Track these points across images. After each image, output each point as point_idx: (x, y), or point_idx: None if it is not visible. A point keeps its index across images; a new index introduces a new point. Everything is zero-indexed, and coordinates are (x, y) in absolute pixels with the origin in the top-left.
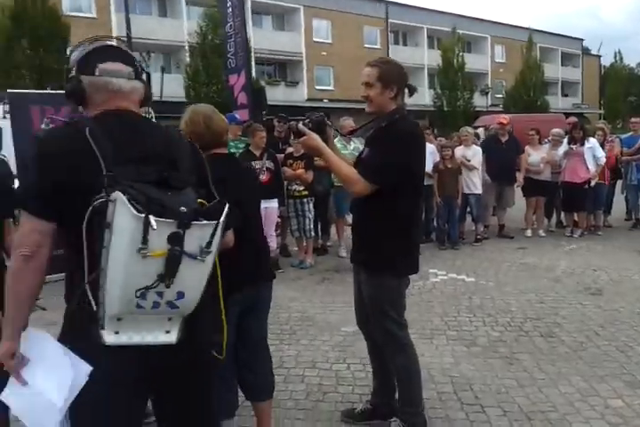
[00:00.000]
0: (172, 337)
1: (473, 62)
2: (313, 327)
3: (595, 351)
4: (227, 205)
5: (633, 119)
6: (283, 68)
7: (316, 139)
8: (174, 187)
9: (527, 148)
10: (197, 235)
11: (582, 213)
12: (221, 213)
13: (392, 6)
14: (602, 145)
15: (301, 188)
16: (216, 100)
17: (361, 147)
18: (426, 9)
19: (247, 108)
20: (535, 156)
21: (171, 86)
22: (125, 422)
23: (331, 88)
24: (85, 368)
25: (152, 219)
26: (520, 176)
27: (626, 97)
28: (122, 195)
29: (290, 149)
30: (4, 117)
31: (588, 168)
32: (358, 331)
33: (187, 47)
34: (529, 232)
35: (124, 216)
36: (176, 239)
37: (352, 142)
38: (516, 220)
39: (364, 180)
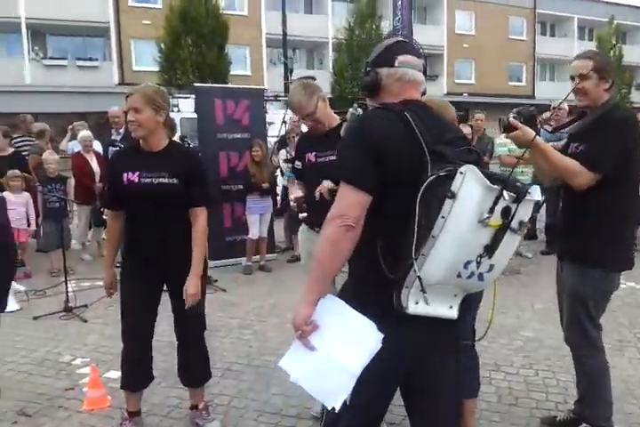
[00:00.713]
0: (453, 313)
1: (630, 54)
2: (489, 330)
3: None
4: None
5: None
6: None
7: (531, 133)
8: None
9: None
10: (523, 210)
11: None
12: (534, 194)
13: None
14: None
15: None
16: (361, 97)
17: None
18: None
19: None
20: None
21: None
22: (387, 398)
23: (471, 82)
24: (378, 335)
25: (505, 192)
26: None
27: None
28: (474, 167)
29: None
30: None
31: None
32: (538, 336)
33: (330, 43)
34: None
35: (476, 187)
36: (507, 213)
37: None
38: None
39: (586, 170)
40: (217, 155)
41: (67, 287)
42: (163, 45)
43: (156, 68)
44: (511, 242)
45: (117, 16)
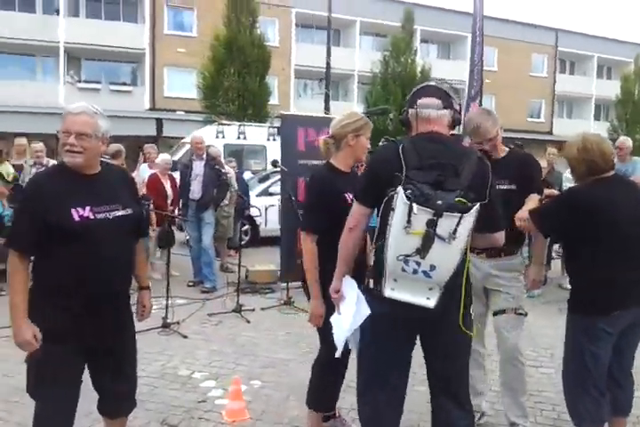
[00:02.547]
0: (430, 303)
1: None
2: None
3: None
4: (476, 206)
5: None
6: None
7: None
8: (446, 188)
9: None
10: (448, 223)
11: None
12: (468, 211)
13: (562, 33)
14: None
15: None
16: (387, 130)
17: None
18: (597, 37)
19: None
20: None
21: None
22: (396, 350)
23: None
24: (366, 310)
25: (415, 206)
26: None
27: None
28: (401, 188)
29: None
30: (268, 140)
31: None
32: None
33: (356, 76)
34: None
35: (401, 203)
36: (431, 224)
37: None
38: None
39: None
40: (297, 180)
41: (167, 303)
42: (207, 73)
43: (189, 95)
44: (447, 249)
45: (153, 43)
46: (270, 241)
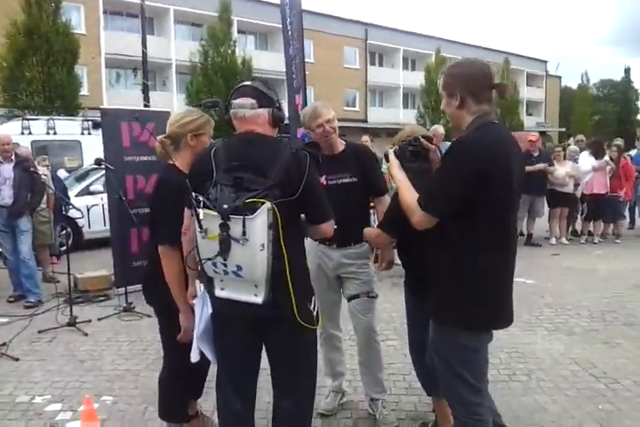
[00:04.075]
0: (258, 299)
1: None
2: None
3: None
4: (265, 205)
5: None
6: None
7: (392, 167)
8: (247, 188)
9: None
10: (237, 226)
11: (600, 222)
12: (254, 212)
13: (371, 28)
14: (617, 160)
15: None
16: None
17: None
18: (402, 31)
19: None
20: (560, 170)
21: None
22: (239, 351)
23: None
24: (208, 310)
25: (200, 211)
26: None
27: (591, 116)
28: (194, 194)
29: None
30: (83, 133)
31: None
32: None
33: (174, 65)
34: (553, 240)
35: (193, 208)
36: (224, 227)
37: None
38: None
39: (419, 208)
40: (124, 178)
41: None
42: (4, 63)
43: None
44: (246, 249)
45: None
46: (97, 244)
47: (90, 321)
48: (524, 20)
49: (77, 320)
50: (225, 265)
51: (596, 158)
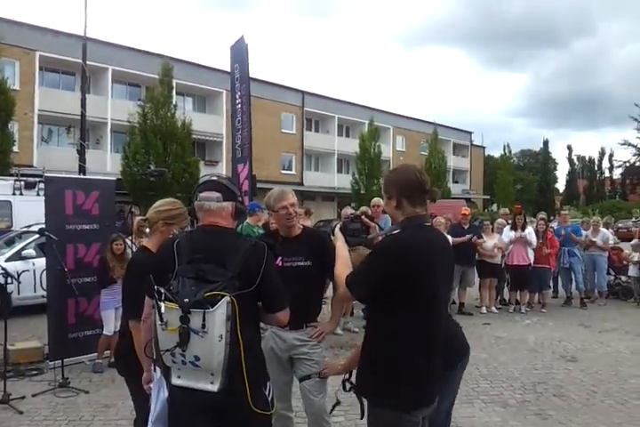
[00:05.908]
0: (214, 387)
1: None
2: None
3: (602, 405)
4: (225, 298)
5: (563, 212)
6: (202, 148)
7: (336, 240)
8: (208, 280)
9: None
10: (197, 318)
11: (526, 292)
12: (214, 305)
13: (307, 95)
14: (543, 233)
15: None
16: (151, 181)
17: None
18: (337, 99)
19: (248, 196)
20: (489, 242)
21: (90, 162)
22: None
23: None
24: (164, 394)
25: (162, 304)
26: None
27: (514, 184)
28: (156, 287)
29: None
30: (14, 194)
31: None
32: None
33: (109, 124)
34: (484, 309)
35: (155, 301)
36: (184, 320)
37: None
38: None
39: (345, 285)
40: (65, 247)
41: None
42: None
43: None
44: (205, 341)
45: None
46: (26, 311)
47: (24, 398)
48: (451, 93)
49: (11, 397)
50: (183, 356)
51: (515, 230)
